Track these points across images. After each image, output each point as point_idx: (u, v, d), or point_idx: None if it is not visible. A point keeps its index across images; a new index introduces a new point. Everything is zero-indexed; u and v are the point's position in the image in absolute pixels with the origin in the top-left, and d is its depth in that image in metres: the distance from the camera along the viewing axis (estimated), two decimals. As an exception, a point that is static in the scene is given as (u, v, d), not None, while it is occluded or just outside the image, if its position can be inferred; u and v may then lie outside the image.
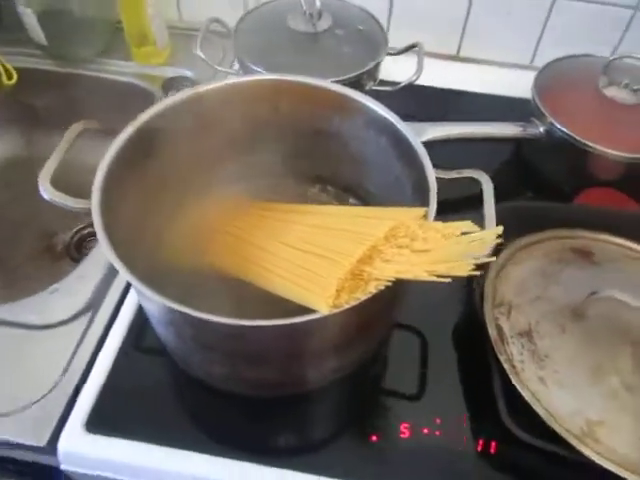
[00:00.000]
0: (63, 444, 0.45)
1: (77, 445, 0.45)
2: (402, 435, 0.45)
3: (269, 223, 0.45)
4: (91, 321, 0.51)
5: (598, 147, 0.58)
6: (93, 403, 0.46)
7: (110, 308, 0.52)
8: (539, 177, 0.66)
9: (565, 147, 0.60)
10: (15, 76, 0.66)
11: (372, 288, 0.35)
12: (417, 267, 0.34)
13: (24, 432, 0.45)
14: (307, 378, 0.43)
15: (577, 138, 0.59)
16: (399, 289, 0.41)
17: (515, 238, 0.55)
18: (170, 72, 0.77)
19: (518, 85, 0.71)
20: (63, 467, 0.46)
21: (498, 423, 0.43)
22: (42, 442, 0.44)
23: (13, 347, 0.50)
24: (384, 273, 0.35)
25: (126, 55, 0.78)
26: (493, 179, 0.66)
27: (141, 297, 0.42)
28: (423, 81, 0.74)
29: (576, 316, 0.48)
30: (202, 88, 0.48)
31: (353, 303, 0.34)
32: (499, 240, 0.34)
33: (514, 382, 0.43)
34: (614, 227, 0.56)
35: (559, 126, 0.60)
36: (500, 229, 0.34)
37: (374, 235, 0.37)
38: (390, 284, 0.35)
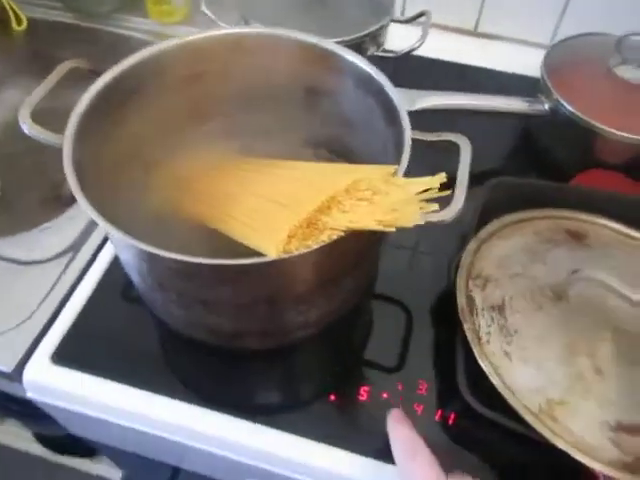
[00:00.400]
0: (28, 372, 0.46)
1: (42, 375, 0.46)
2: (360, 397, 0.45)
3: (242, 174, 0.45)
4: (72, 260, 0.52)
5: (605, 127, 0.56)
6: (62, 337, 0.47)
7: (91, 250, 0.53)
8: (543, 156, 0.64)
9: (571, 126, 0.58)
10: (25, 22, 0.67)
11: (325, 237, 0.34)
12: (368, 217, 0.33)
13: (-5, 357, 0.47)
14: (266, 330, 0.43)
15: (582, 117, 0.56)
16: (359, 244, 0.40)
17: (506, 214, 0.53)
18: (183, 31, 0.77)
19: (535, 64, 0.68)
20: (29, 395, 0.47)
21: (458, 395, 0.42)
22: (9, 368, 0.46)
23: (-1, 278, 0.52)
24: (338, 223, 0.34)
25: (144, 13, 0.79)
26: (496, 155, 0.65)
27: (110, 237, 0.43)
28: (435, 54, 0.73)
29: (556, 296, 0.46)
30: (190, 37, 0.48)
31: (303, 250, 0.34)
32: (440, 192, 0.33)
33: (475, 352, 0.42)
34: (614, 212, 0.53)
35: (565, 104, 0.57)
36: (443, 176, 0.33)
37: (335, 187, 0.36)
38: (343, 234, 0.34)
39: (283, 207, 0.37)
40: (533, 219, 0.53)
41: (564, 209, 0.54)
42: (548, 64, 0.61)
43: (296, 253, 0.34)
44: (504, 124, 0.66)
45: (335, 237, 0.34)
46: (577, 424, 0.40)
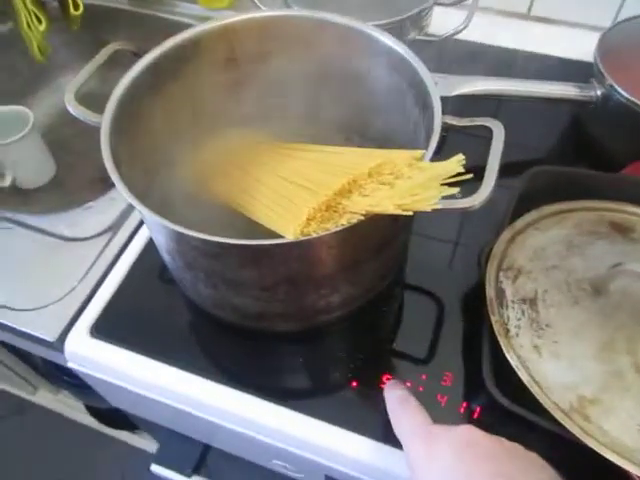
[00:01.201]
0: (69, 343, 0.49)
1: (81, 346, 0.48)
2: (382, 385, 0.45)
3: (270, 156, 0.45)
4: (112, 239, 0.54)
5: (662, 114, 0.52)
6: (99, 312, 0.50)
7: (130, 230, 0.55)
8: (593, 145, 0.61)
9: (624, 113, 0.54)
10: (82, 7, 0.70)
11: (344, 221, 0.34)
12: (387, 201, 0.33)
13: (40, 327, 0.50)
14: (289, 313, 0.44)
15: (639, 103, 0.53)
16: (381, 228, 0.39)
17: (545, 204, 0.51)
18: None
19: (592, 49, 0.65)
20: (70, 365, 0.50)
21: (484, 388, 0.41)
22: (53, 338, 0.49)
23: (44, 253, 0.55)
24: (358, 206, 0.34)
25: (193, -1, 0.81)
26: (544, 144, 0.62)
27: (141, 216, 0.44)
28: (483, 39, 0.71)
29: (595, 290, 0.44)
30: (228, 20, 0.49)
31: (321, 233, 0.34)
32: (461, 174, 0.32)
33: (501, 344, 0.40)
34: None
35: (619, 88, 0.54)
36: (461, 157, 0.32)
37: (357, 170, 0.36)
38: (362, 217, 0.34)
39: (304, 190, 0.37)
40: (574, 210, 0.51)
41: (609, 200, 0.51)
42: (602, 47, 0.58)
43: (314, 236, 0.34)
44: (552, 112, 0.63)
45: (354, 221, 0.34)
46: (613, 424, 0.38)
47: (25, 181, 0.70)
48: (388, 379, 0.45)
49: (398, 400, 0.37)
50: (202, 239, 0.34)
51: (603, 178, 0.51)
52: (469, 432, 0.33)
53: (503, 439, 0.33)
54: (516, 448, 0.33)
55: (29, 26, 0.71)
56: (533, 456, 0.33)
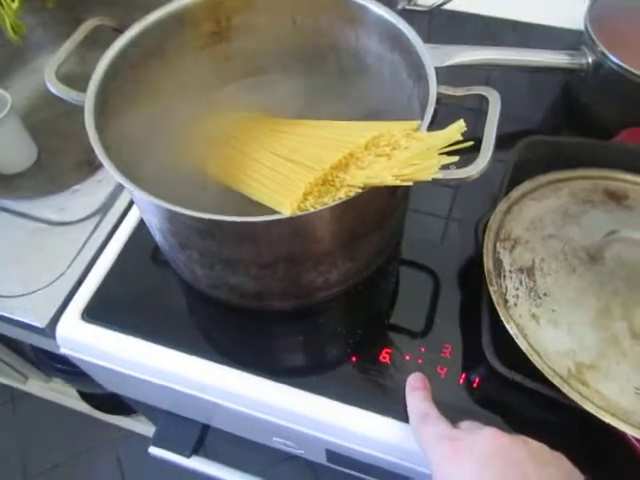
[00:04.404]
0: (61, 328, 0.48)
1: (73, 331, 0.47)
2: (382, 359, 0.45)
3: (262, 132, 0.44)
4: (100, 221, 0.53)
5: (654, 80, 0.52)
6: (91, 295, 0.49)
7: (119, 212, 0.54)
8: (585, 114, 0.60)
9: (616, 80, 0.54)
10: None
11: (342, 194, 0.33)
12: (385, 172, 0.32)
13: (30, 313, 0.49)
14: (287, 290, 0.43)
15: (630, 69, 0.52)
16: (379, 202, 0.39)
17: (540, 174, 0.51)
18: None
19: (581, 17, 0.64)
20: (62, 351, 0.49)
21: (483, 358, 0.41)
22: (43, 324, 0.48)
23: (31, 238, 0.54)
24: (355, 179, 0.33)
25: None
26: (535, 113, 0.62)
27: (132, 196, 0.43)
28: (472, 9, 0.69)
29: (591, 258, 0.44)
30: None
31: (319, 208, 0.33)
32: (458, 143, 0.31)
33: (500, 314, 0.40)
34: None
35: (610, 55, 0.53)
36: (462, 124, 0.31)
37: (354, 143, 0.35)
38: (360, 190, 0.33)
39: (300, 166, 0.36)
40: (569, 179, 0.51)
41: (603, 169, 0.51)
42: (593, 14, 0.57)
43: (312, 211, 0.33)
44: (543, 81, 0.62)
45: (352, 194, 0.33)
46: (610, 388, 0.38)
47: (5, 166, 0.68)
48: (388, 353, 0.45)
49: (419, 411, 0.37)
50: (196, 217, 0.33)
51: (596, 146, 0.51)
52: (494, 438, 0.32)
53: (528, 439, 0.33)
54: (542, 450, 0.33)
55: (1, 4, 0.68)
56: (559, 459, 0.33)
